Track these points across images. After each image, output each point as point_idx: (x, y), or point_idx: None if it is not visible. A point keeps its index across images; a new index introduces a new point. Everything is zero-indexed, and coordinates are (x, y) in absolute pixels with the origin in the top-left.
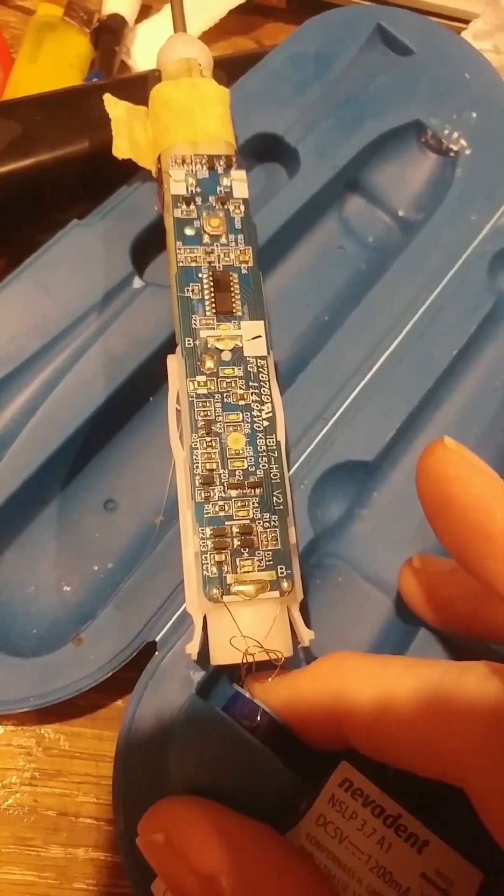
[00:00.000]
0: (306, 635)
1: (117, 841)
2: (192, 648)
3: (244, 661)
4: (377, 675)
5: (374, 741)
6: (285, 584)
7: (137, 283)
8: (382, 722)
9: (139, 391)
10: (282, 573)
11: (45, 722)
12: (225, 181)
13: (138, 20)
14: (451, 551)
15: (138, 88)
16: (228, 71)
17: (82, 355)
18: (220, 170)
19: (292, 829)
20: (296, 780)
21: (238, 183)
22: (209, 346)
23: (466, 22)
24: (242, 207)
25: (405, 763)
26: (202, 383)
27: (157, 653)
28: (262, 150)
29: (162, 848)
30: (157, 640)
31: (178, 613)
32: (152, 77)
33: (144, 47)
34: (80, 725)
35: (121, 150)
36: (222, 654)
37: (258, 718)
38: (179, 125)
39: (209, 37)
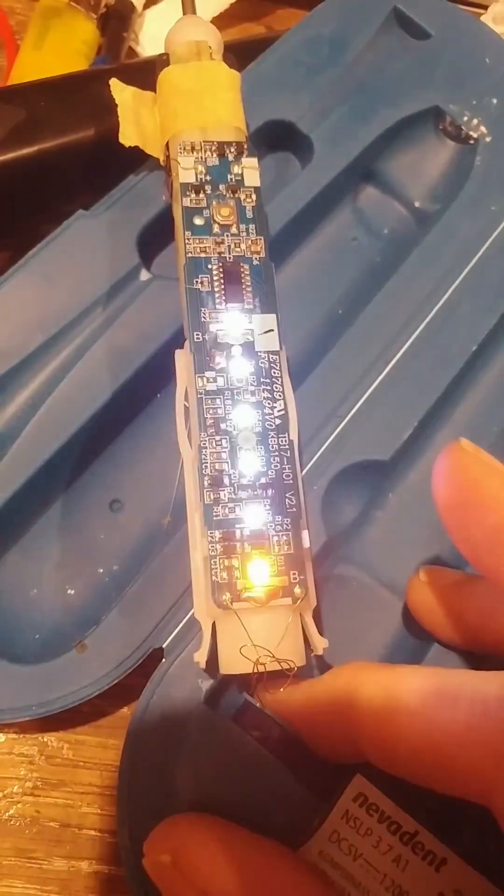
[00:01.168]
0: (319, 644)
1: (121, 855)
2: (201, 656)
3: (255, 671)
4: (393, 685)
5: (390, 755)
6: (298, 591)
7: (144, 275)
8: (399, 734)
9: (146, 387)
10: (294, 579)
11: (47, 730)
12: (236, 169)
13: (147, 5)
14: (467, 556)
15: (146, 73)
16: (239, 56)
17: (87, 350)
18: (230, 157)
19: (304, 845)
20: (307, 795)
21: (249, 171)
22: (219, 340)
23: (485, 7)
24: (254, 196)
25: (424, 778)
26: (212, 379)
27: (163, 660)
28: (273, 138)
29: (168, 869)
30: (164, 646)
31: (186, 619)
32: (160, 61)
33: (153, 33)
34: (84, 733)
35: (128, 136)
36: (232, 663)
37: (269, 730)
38: (188, 110)
39: (219, 22)
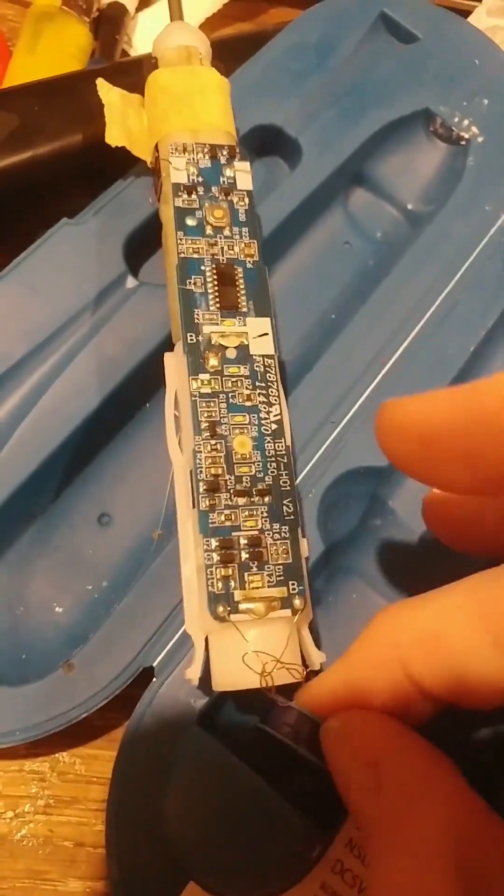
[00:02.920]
0: (317, 658)
1: (112, 891)
2: (193, 673)
3: (263, 683)
4: (435, 606)
5: (453, 678)
6: (297, 602)
7: (131, 282)
8: (455, 650)
9: (134, 396)
10: (293, 589)
11: (59, 744)
12: (228, 172)
13: (139, 8)
14: (474, 484)
15: (135, 72)
16: (227, 55)
17: (73, 359)
18: (222, 160)
19: (305, 877)
20: (308, 822)
21: (242, 174)
22: (213, 342)
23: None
24: (247, 199)
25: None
26: (206, 382)
27: (154, 679)
28: (261, 143)
29: (337, 736)
30: (154, 665)
31: (177, 636)
32: (148, 63)
33: (146, 35)
34: (97, 748)
35: (114, 137)
36: (225, 679)
37: (301, 727)
38: (178, 112)
39: (212, 22)
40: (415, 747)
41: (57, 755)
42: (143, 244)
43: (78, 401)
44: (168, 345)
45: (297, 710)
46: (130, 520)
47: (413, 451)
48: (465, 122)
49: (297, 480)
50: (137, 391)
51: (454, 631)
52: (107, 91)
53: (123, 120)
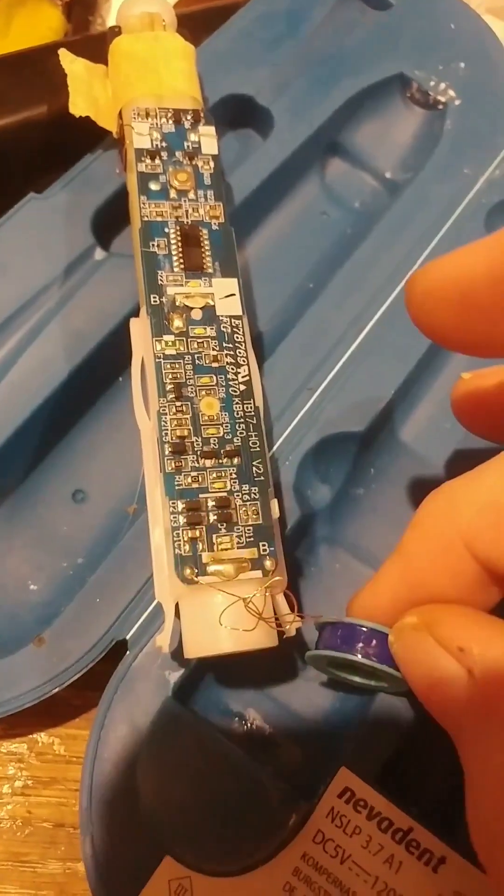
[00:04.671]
0: (292, 624)
1: (86, 868)
2: (163, 640)
3: (235, 647)
4: (493, 475)
5: None
6: (268, 563)
7: (99, 254)
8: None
9: (105, 370)
10: (264, 551)
11: (37, 725)
12: (192, 136)
13: None
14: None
15: (101, 46)
16: (198, 27)
17: (41, 332)
18: (186, 124)
19: (285, 848)
20: (288, 793)
21: (207, 139)
22: (177, 303)
23: None
24: (212, 163)
25: None
26: (170, 343)
27: (128, 652)
28: (233, 115)
29: (415, 632)
30: (127, 638)
31: (150, 608)
32: (111, 32)
33: None
34: (76, 727)
35: (78, 106)
36: (197, 646)
37: (370, 640)
38: (142, 78)
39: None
40: (502, 630)
41: (35, 735)
42: (112, 218)
43: (46, 374)
44: (138, 313)
45: (353, 624)
46: (105, 496)
47: (454, 316)
48: (442, 85)
49: (275, 447)
50: (108, 364)
51: None
52: (70, 61)
53: (88, 90)
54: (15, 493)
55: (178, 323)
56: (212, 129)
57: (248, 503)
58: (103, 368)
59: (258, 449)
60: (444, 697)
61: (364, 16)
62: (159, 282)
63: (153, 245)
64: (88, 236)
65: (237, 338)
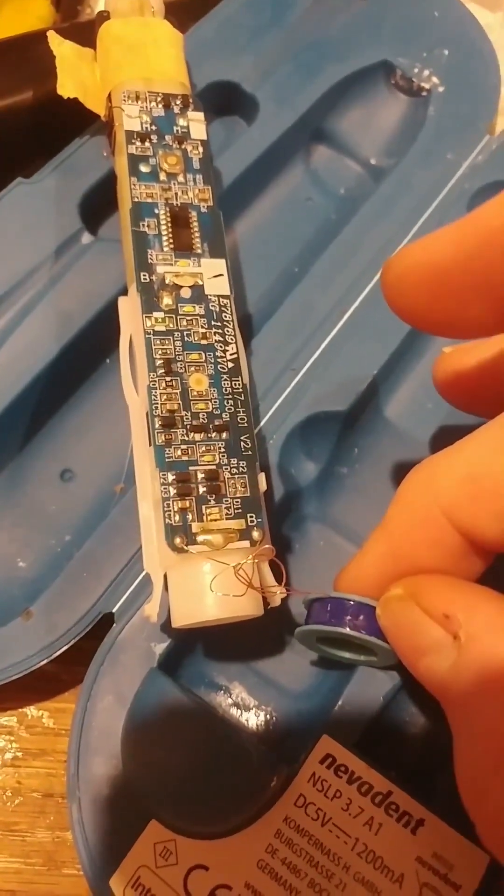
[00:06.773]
0: (278, 595)
1: (73, 833)
2: (151, 609)
3: (222, 613)
4: (471, 448)
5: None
6: (256, 534)
7: (87, 238)
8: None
9: (93, 350)
10: (252, 521)
11: (26, 699)
12: (181, 121)
13: None
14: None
15: (89, 32)
16: (184, 15)
17: (28, 314)
18: (176, 109)
19: (267, 811)
20: (270, 758)
21: (196, 124)
22: (167, 281)
23: None
24: (201, 149)
25: None
26: (160, 320)
27: (114, 625)
28: (219, 102)
29: (402, 603)
30: (114, 611)
31: (137, 581)
32: (100, 17)
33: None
34: (65, 701)
35: (67, 88)
36: (185, 615)
37: (358, 612)
38: (131, 62)
39: None
40: (485, 596)
41: (24, 709)
42: (100, 202)
43: (34, 355)
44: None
45: (341, 598)
46: (93, 475)
47: (427, 299)
48: (426, 72)
49: (259, 426)
50: (96, 345)
51: (498, 468)
52: (58, 43)
53: (76, 73)
54: (3, 473)
55: (167, 300)
56: (201, 115)
57: (236, 476)
58: (90, 350)
59: (246, 424)
60: (431, 664)
61: (349, 3)
62: (149, 260)
63: (143, 225)
64: (76, 220)
65: (225, 317)
